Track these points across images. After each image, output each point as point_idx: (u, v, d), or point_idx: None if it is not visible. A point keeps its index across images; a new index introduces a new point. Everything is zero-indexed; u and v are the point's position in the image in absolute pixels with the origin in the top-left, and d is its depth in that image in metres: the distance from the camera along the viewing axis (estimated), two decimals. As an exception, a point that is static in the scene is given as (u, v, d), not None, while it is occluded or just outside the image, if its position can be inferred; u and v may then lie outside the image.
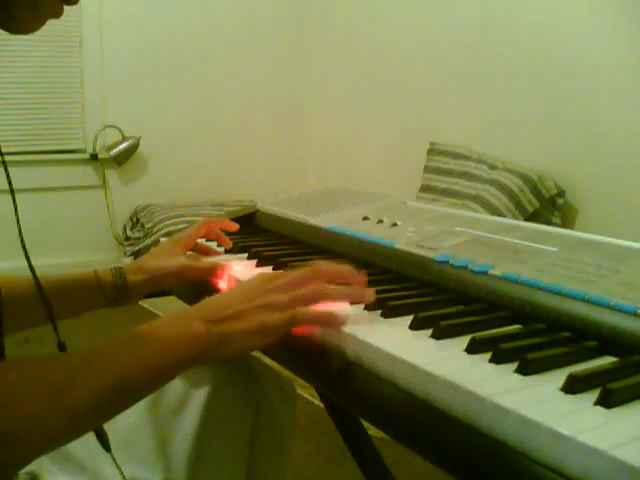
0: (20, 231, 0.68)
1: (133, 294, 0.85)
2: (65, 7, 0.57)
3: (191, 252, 0.93)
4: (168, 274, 0.86)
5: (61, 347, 0.70)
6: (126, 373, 0.55)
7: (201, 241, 0.96)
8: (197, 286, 0.86)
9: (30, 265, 0.69)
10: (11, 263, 0.69)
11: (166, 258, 0.87)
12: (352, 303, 0.66)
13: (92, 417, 0.54)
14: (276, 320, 0.61)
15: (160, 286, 0.87)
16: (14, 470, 0.50)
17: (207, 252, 0.95)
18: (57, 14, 0.57)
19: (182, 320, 0.61)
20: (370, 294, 0.66)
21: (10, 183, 0.66)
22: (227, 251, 0.96)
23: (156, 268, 0.86)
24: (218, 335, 0.60)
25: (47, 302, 0.70)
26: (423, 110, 3.09)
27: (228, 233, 0.98)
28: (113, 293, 0.84)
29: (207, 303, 0.64)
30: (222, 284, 0.83)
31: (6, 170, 0.65)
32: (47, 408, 0.49)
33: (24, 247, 0.68)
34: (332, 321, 0.61)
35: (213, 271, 0.84)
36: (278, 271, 0.69)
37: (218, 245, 0.98)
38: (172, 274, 0.86)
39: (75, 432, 0.53)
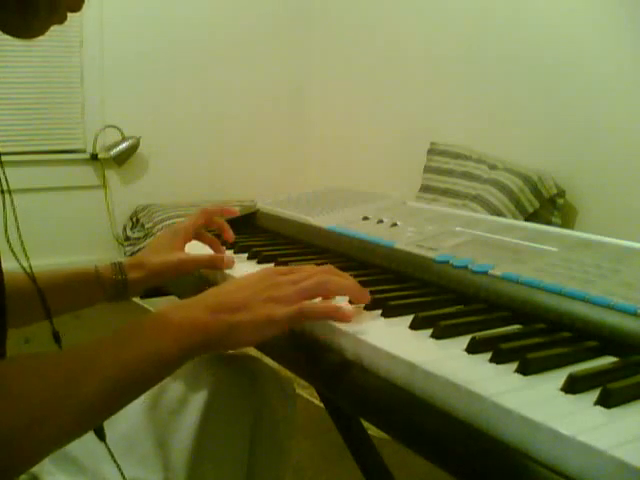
0: (16, 230, 0.69)
1: (133, 290, 0.85)
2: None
3: (195, 241, 0.92)
4: (168, 269, 0.85)
5: (56, 337, 0.70)
6: (131, 363, 0.54)
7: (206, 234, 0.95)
8: (198, 285, 0.86)
9: (26, 258, 0.69)
10: (12, 264, 0.69)
11: (166, 253, 0.87)
12: (352, 301, 0.67)
13: (98, 410, 0.53)
14: (282, 313, 0.61)
15: (160, 281, 0.87)
16: (22, 470, 0.50)
17: (212, 245, 0.93)
18: (62, 20, 0.58)
19: (187, 308, 0.61)
20: (368, 296, 0.66)
21: (6, 182, 0.66)
22: (227, 249, 0.95)
23: (156, 264, 0.85)
24: (223, 324, 0.59)
25: (43, 297, 0.70)
26: (423, 110, 3.09)
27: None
28: (113, 289, 0.84)
29: (213, 293, 0.64)
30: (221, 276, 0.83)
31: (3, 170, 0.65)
32: (54, 405, 0.49)
33: (23, 246, 0.68)
34: (338, 315, 0.61)
35: (212, 262, 0.84)
36: (286, 267, 0.69)
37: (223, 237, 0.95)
38: (172, 268, 0.86)
39: (82, 427, 0.53)
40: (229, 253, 0.93)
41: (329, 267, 0.68)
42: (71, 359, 0.54)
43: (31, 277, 0.71)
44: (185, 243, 0.90)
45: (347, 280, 0.66)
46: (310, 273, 0.65)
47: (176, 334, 0.58)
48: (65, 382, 0.51)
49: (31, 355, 0.52)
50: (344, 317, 0.61)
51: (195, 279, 0.89)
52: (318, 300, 0.64)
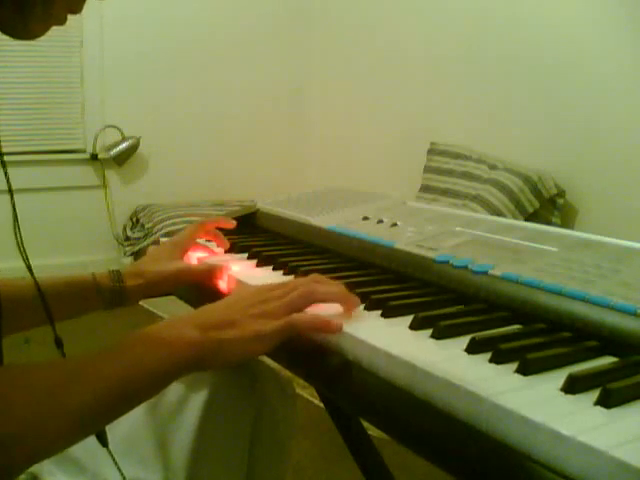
0: (19, 232, 0.68)
1: (131, 298, 0.85)
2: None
3: (191, 253, 0.93)
4: (167, 279, 0.86)
5: (58, 344, 0.71)
6: (121, 380, 0.55)
7: (200, 241, 0.96)
8: (197, 286, 0.86)
9: (28, 265, 0.69)
10: (11, 264, 0.69)
11: (165, 262, 0.87)
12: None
13: (88, 423, 0.54)
14: (271, 327, 0.61)
15: (158, 290, 0.87)
16: (14, 476, 0.50)
17: (207, 252, 0.95)
18: (62, 22, 0.58)
19: (177, 327, 0.61)
20: (357, 301, 0.66)
21: (9, 183, 0.66)
22: (227, 251, 0.95)
23: (155, 273, 0.86)
24: (213, 342, 0.60)
25: (45, 302, 0.70)
26: (423, 110, 3.09)
27: (227, 231, 0.98)
28: (111, 297, 0.84)
29: (202, 311, 0.65)
30: (222, 285, 0.83)
31: (5, 171, 0.65)
32: (44, 414, 0.49)
33: (22, 248, 0.68)
34: (328, 327, 0.61)
35: (212, 273, 0.84)
36: (275, 283, 0.69)
37: (217, 246, 0.98)
38: (171, 279, 0.86)
39: (72, 438, 0.54)
40: (226, 256, 0.93)
41: (315, 276, 0.68)
42: (63, 369, 0.54)
43: (36, 283, 0.71)
44: (185, 254, 0.91)
45: (334, 288, 0.66)
46: (296, 284, 0.66)
47: (167, 352, 0.58)
48: (55, 393, 0.51)
49: (23, 365, 0.53)
50: (334, 329, 0.61)
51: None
52: (315, 310, 0.65)
